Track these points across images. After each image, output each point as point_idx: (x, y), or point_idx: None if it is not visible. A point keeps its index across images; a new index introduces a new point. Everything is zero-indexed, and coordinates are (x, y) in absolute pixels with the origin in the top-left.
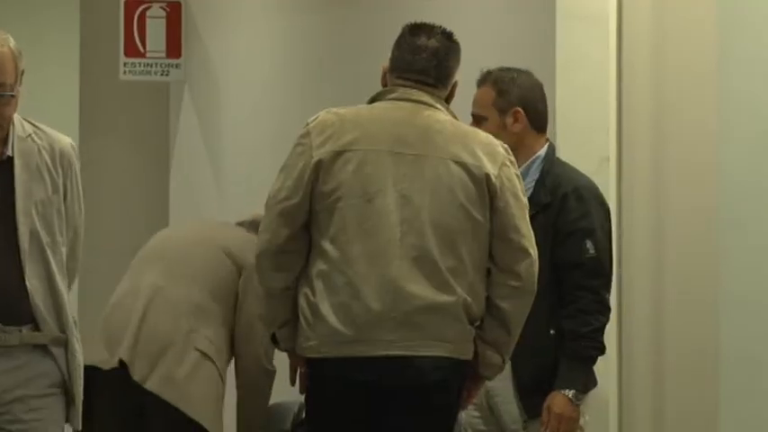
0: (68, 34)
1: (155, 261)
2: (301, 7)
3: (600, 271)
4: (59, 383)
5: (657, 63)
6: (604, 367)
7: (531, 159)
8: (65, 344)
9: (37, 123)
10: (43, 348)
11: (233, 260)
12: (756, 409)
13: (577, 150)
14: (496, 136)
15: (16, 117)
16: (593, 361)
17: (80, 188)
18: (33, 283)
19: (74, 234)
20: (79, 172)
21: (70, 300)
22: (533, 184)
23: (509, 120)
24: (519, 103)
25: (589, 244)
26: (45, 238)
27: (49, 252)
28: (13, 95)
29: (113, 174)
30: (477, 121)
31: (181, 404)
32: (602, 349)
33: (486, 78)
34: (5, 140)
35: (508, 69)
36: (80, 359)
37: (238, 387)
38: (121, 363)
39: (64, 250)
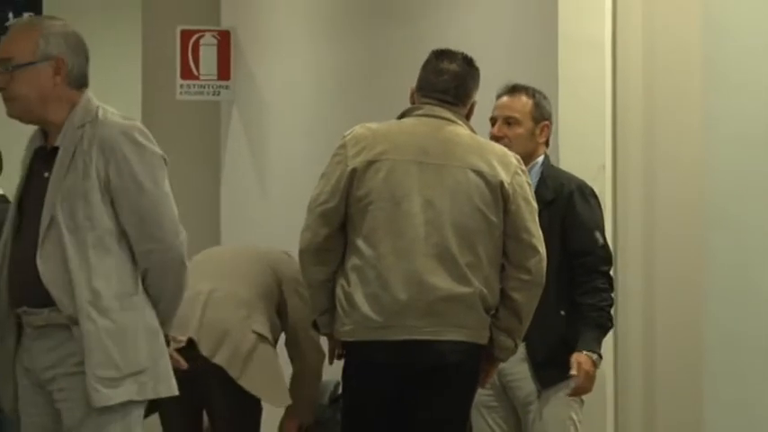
0: (132, 60)
1: (208, 271)
2: (335, 36)
3: (607, 257)
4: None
5: (647, 81)
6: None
7: (533, 163)
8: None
9: (109, 112)
10: (67, 328)
11: (273, 271)
12: (737, 388)
13: (578, 158)
14: (524, 140)
15: (83, 106)
16: (607, 332)
17: (137, 172)
18: (43, 266)
19: (138, 218)
20: (137, 156)
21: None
22: (535, 183)
23: (538, 130)
24: (549, 119)
25: (598, 234)
26: (66, 223)
27: (67, 236)
28: (13, 69)
29: (170, 183)
30: (511, 123)
31: (242, 380)
32: (612, 322)
33: (520, 89)
34: (60, 130)
35: (538, 90)
36: (92, 339)
37: (297, 366)
38: (189, 342)
39: (93, 234)
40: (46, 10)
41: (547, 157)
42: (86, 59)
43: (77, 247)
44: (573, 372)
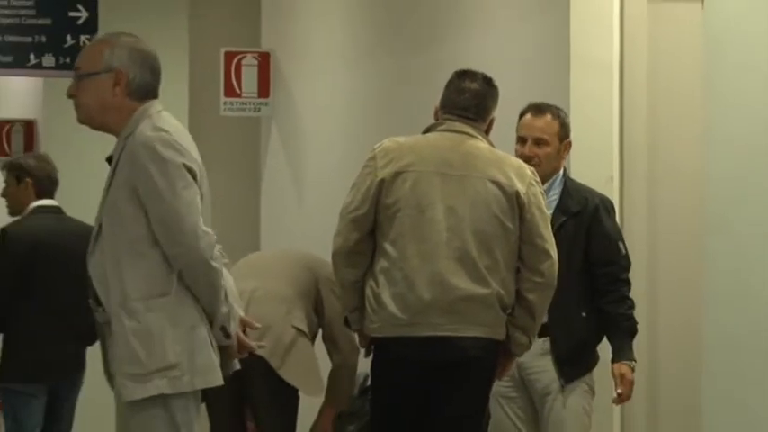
0: (180, 80)
1: (251, 272)
2: (365, 58)
3: (628, 266)
4: None
5: (651, 100)
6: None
7: (554, 177)
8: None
9: (149, 124)
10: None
11: (311, 271)
12: (735, 386)
13: (588, 171)
14: (552, 159)
15: (135, 117)
16: (636, 334)
17: (156, 182)
18: (92, 271)
19: (162, 225)
20: (156, 166)
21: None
22: (559, 195)
23: (563, 147)
24: (569, 135)
25: (621, 245)
26: (107, 230)
27: (107, 243)
28: (80, 78)
29: (214, 193)
30: (540, 143)
31: (282, 370)
32: (637, 325)
33: (545, 109)
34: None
35: (560, 108)
36: (120, 339)
37: (338, 357)
38: None
39: (127, 240)
40: (101, 32)
41: (566, 170)
42: (153, 74)
43: (112, 254)
44: (618, 386)
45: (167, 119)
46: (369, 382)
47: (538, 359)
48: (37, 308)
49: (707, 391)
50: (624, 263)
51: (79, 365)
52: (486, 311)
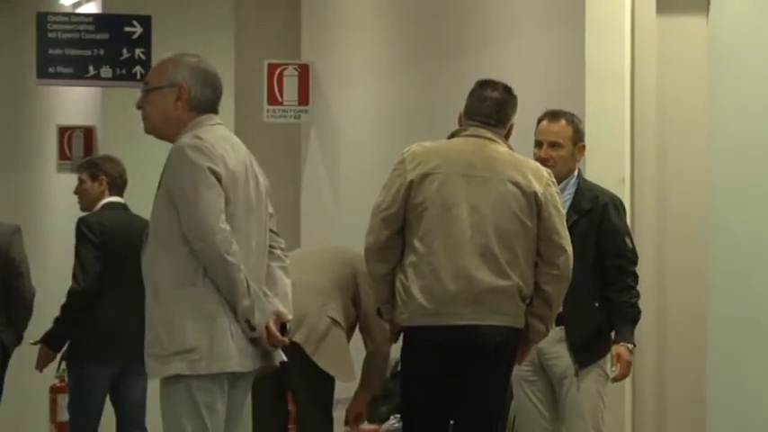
0: (226, 89)
1: (292, 266)
2: (397, 69)
3: (635, 259)
4: None
5: (660, 108)
6: None
7: (569, 177)
8: None
9: (198, 133)
10: None
11: (350, 266)
12: (734, 368)
13: (601, 172)
14: (566, 161)
15: (188, 128)
16: (638, 321)
17: (181, 183)
18: (142, 263)
19: (186, 222)
20: (181, 168)
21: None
22: (572, 194)
23: (576, 150)
24: (583, 140)
25: (628, 240)
26: (150, 227)
27: (150, 241)
28: (147, 92)
29: None
30: (555, 146)
31: (315, 356)
32: (640, 314)
33: (560, 115)
34: None
35: (574, 114)
36: (149, 323)
37: (372, 346)
38: None
39: (162, 237)
40: (154, 45)
41: (580, 171)
42: (213, 90)
43: (152, 250)
44: (615, 364)
45: (214, 130)
46: (399, 368)
47: (555, 345)
48: (105, 294)
49: (711, 378)
50: (631, 256)
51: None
52: (507, 302)
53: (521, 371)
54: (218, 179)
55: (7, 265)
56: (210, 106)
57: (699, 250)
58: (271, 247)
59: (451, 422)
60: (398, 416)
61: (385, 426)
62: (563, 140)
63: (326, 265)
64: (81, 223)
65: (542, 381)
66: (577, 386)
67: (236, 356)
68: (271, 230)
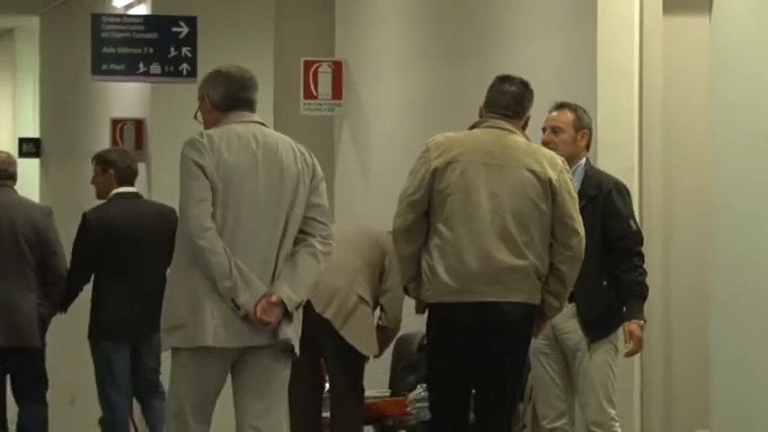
0: (266, 84)
1: None
2: (423, 65)
3: (640, 240)
4: None
5: (667, 101)
6: None
7: (577, 164)
8: None
9: (208, 130)
10: None
11: (379, 245)
12: (735, 344)
13: (611, 162)
14: (567, 145)
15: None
16: (645, 299)
17: (180, 175)
18: None
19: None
20: (181, 161)
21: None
22: (580, 181)
23: (579, 136)
24: (587, 128)
25: (632, 222)
26: None
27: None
28: (200, 106)
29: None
30: (557, 131)
31: (342, 331)
32: (648, 291)
33: (565, 105)
34: None
35: (580, 106)
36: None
37: (386, 322)
38: (306, 301)
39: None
40: (199, 44)
41: (588, 159)
42: (225, 87)
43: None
44: (628, 341)
45: (229, 126)
46: (425, 341)
47: (568, 321)
48: (114, 278)
49: (713, 352)
50: (635, 237)
51: (153, 326)
52: (524, 280)
53: (537, 344)
54: (203, 171)
55: (44, 246)
56: (231, 102)
57: (702, 232)
58: (305, 233)
59: (473, 391)
60: (424, 385)
61: (412, 395)
62: (564, 125)
63: (358, 244)
64: (82, 217)
65: (557, 353)
66: (589, 359)
67: (213, 333)
68: (313, 218)
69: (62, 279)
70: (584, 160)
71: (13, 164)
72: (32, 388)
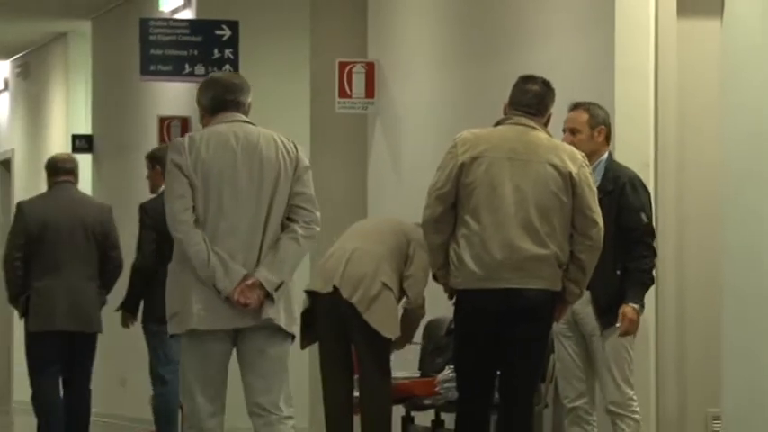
0: (303, 84)
1: (355, 235)
2: (452, 66)
3: (650, 231)
4: None
5: (680, 101)
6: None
7: (598, 160)
8: None
9: (193, 133)
10: None
11: (404, 234)
12: (744, 331)
13: (627, 158)
14: (584, 143)
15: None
16: (648, 288)
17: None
18: None
19: None
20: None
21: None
22: (601, 177)
23: (596, 133)
24: (603, 124)
25: (643, 215)
26: None
27: None
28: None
29: (331, 174)
30: (573, 132)
31: (366, 315)
32: (653, 280)
33: (579, 105)
34: None
35: (594, 103)
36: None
37: (408, 304)
38: (334, 288)
39: None
40: (241, 47)
41: (610, 154)
42: (212, 92)
43: None
44: (620, 321)
45: (214, 127)
46: (453, 325)
47: (586, 307)
48: (162, 269)
49: (725, 336)
50: (645, 229)
51: None
52: (546, 268)
53: (559, 327)
54: (180, 169)
55: (106, 239)
56: (218, 105)
57: (714, 225)
58: (291, 220)
59: (498, 372)
60: (452, 367)
61: (440, 375)
62: (579, 126)
63: (384, 234)
64: (140, 209)
65: (577, 336)
66: (605, 340)
67: (197, 317)
68: (297, 206)
69: (120, 270)
70: (605, 155)
71: (72, 161)
72: (85, 370)
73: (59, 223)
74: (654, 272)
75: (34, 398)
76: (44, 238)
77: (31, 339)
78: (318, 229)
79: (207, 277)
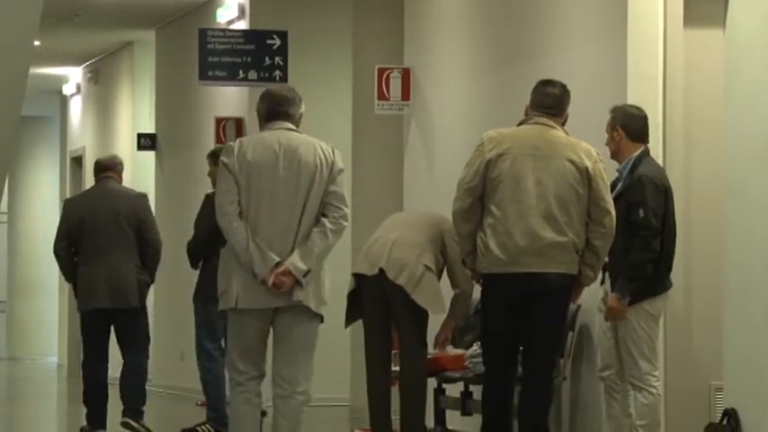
0: (346, 88)
1: (395, 225)
2: (481, 71)
3: (646, 226)
4: None
5: (687, 102)
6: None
7: (627, 159)
8: None
9: (243, 138)
10: None
11: (438, 225)
12: (746, 315)
13: None
14: (609, 145)
15: None
16: (634, 281)
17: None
18: None
19: None
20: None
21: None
22: (626, 175)
23: (614, 134)
24: (620, 124)
25: (641, 210)
26: None
27: None
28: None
29: (372, 170)
30: (607, 138)
31: (413, 295)
32: (642, 274)
33: (611, 112)
34: None
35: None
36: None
37: (456, 288)
38: (380, 270)
39: None
40: (290, 55)
41: (642, 153)
42: (265, 103)
43: None
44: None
45: (260, 133)
46: (480, 305)
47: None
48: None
49: (727, 312)
50: (641, 223)
51: None
52: (564, 254)
53: (597, 302)
54: (228, 169)
55: (141, 223)
56: (271, 114)
57: (718, 211)
58: (323, 215)
59: (521, 348)
60: (479, 343)
61: (469, 351)
62: (606, 131)
63: (421, 225)
64: (206, 197)
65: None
66: (622, 321)
67: (238, 298)
68: (329, 203)
69: (157, 252)
70: (635, 154)
71: (112, 160)
72: (133, 343)
73: (97, 214)
74: (647, 267)
75: (83, 369)
76: (84, 228)
77: (81, 318)
78: (346, 223)
79: (246, 262)
